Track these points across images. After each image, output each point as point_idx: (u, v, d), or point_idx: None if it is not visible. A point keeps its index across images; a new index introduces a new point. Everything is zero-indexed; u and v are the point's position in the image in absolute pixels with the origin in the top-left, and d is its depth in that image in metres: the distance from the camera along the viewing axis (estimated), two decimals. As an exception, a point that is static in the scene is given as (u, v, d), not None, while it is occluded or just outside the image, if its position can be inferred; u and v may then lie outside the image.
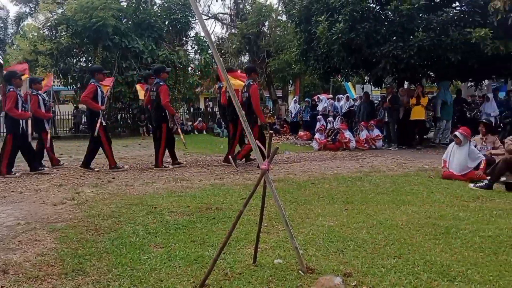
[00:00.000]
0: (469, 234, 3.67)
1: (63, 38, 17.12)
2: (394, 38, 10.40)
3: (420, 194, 5.39)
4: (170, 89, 17.87)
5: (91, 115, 7.45)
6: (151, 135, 9.48)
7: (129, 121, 18.69)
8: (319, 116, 14.37)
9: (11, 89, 6.91)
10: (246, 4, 24.12)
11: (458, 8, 11.12)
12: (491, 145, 7.43)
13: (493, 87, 14.22)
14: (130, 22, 18.76)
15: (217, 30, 62.32)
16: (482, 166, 6.26)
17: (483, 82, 13.74)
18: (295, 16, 12.52)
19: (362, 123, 11.96)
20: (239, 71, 9.90)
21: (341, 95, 17.37)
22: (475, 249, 3.32)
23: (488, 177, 5.68)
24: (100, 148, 7.62)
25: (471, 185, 5.73)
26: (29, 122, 7.12)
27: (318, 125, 12.85)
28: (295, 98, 19.84)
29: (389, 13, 10.47)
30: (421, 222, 4.08)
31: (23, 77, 7.52)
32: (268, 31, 22.38)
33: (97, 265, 2.98)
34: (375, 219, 4.21)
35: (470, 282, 2.70)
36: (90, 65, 17.93)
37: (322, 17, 10.95)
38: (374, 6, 11.54)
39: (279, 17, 22.72)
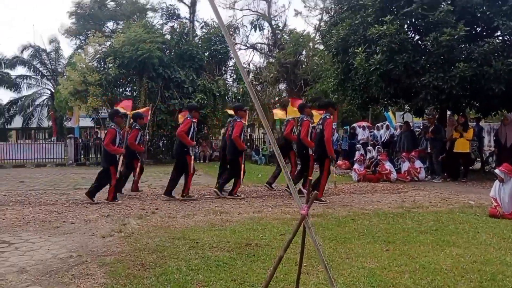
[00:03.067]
0: (518, 283, 3.53)
1: (111, 69, 18.16)
2: (434, 68, 10.27)
3: (466, 234, 5.22)
4: (207, 117, 18.57)
5: (181, 147, 7.95)
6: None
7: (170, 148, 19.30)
8: (358, 145, 14.23)
9: (112, 126, 7.76)
10: (283, 34, 24.62)
11: (501, 38, 10.88)
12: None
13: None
14: (172, 53, 19.66)
15: (255, 59, 63.80)
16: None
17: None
18: (332, 47, 12.66)
19: (404, 153, 11.72)
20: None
21: (381, 123, 17.15)
22: (525, 300, 3.19)
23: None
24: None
25: (520, 226, 5.49)
26: (121, 158, 7.98)
27: (357, 154, 12.72)
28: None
29: (428, 44, 10.38)
30: (466, 267, 3.96)
31: (128, 113, 8.80)
32: (305, 60, 22.66)
33: (144, 303, 3.12)
34: (418, 262, 4.12)
35: None
36: (135, 94, 18.84)
37: (360, 48, 11.01)
38: (412, 36, 11.50)
39: (316, 46, 23.00)
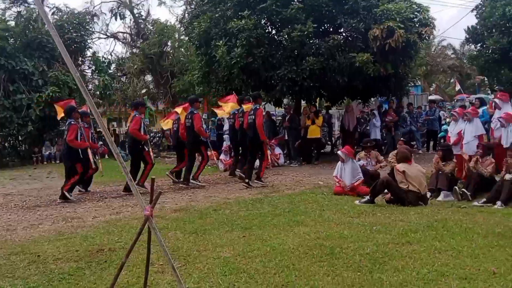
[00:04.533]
0: (351, 253, 4.00)
1: None
2: (288, 62, 11.05)
3: (313, 213, 5.74)
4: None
5: (136, 143, 8.17)
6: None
7: (18, 149, 17.02)
8: (225, 136, 14.52)
9: (72, 122, 7.67)
10: (147, 23, 23.66)
11: (344, 35, 12.23)
12: (375, 160, 8.23)
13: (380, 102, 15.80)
14: (18, 42, 17.25)
15: (117, 49, 60.13)
16: (358, 182, 6.93)
17: (370, 99, 15.18)
18: (195, 39, 12.63)
19: (265, 141, 12.38)
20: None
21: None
22: (354, 268, 3.62)
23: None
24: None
25: (357, 201, 6.28)
26: (89, 151, 7.90)
27: (224, 145, 12.99)
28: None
29: (283, 39, 11.10)
30: (310, 244, 4.34)
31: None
32: (171, 51, 22.20)
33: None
34: (269, 244, 4.37)
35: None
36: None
37: (221, 42, 11.21)
38: (269, 31, 12.15)
39: (182, 37, 22.71)
